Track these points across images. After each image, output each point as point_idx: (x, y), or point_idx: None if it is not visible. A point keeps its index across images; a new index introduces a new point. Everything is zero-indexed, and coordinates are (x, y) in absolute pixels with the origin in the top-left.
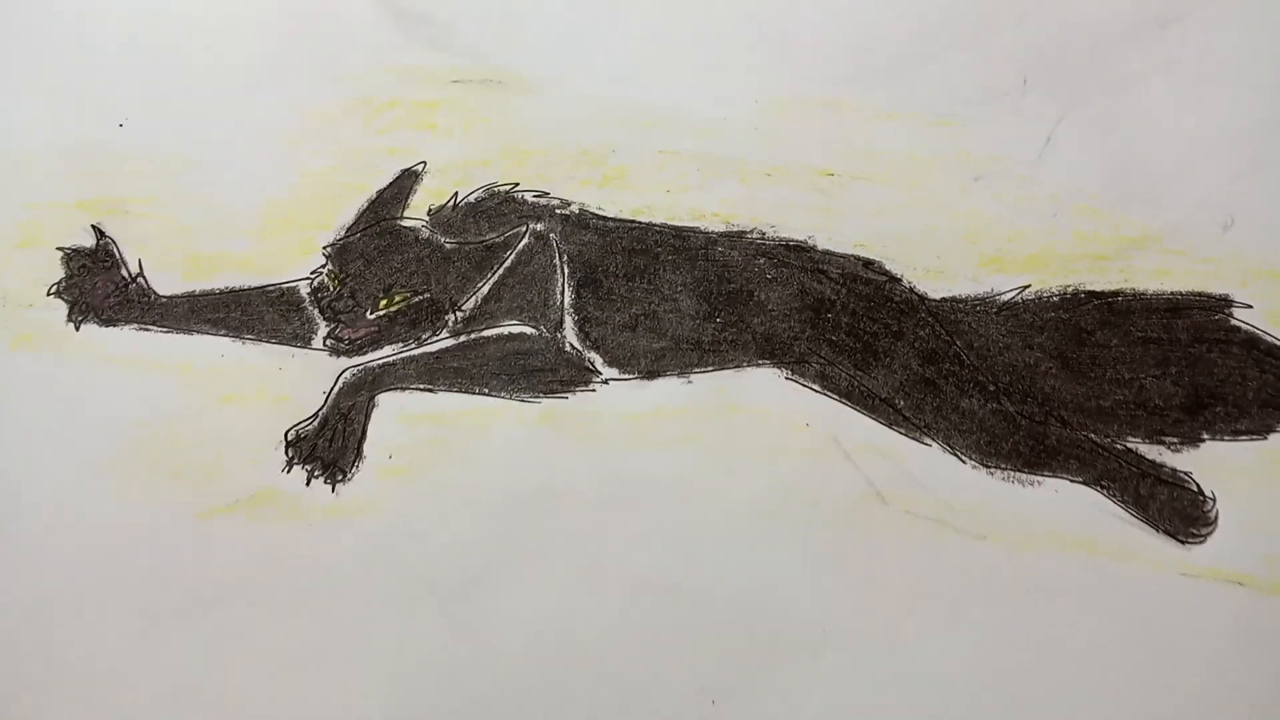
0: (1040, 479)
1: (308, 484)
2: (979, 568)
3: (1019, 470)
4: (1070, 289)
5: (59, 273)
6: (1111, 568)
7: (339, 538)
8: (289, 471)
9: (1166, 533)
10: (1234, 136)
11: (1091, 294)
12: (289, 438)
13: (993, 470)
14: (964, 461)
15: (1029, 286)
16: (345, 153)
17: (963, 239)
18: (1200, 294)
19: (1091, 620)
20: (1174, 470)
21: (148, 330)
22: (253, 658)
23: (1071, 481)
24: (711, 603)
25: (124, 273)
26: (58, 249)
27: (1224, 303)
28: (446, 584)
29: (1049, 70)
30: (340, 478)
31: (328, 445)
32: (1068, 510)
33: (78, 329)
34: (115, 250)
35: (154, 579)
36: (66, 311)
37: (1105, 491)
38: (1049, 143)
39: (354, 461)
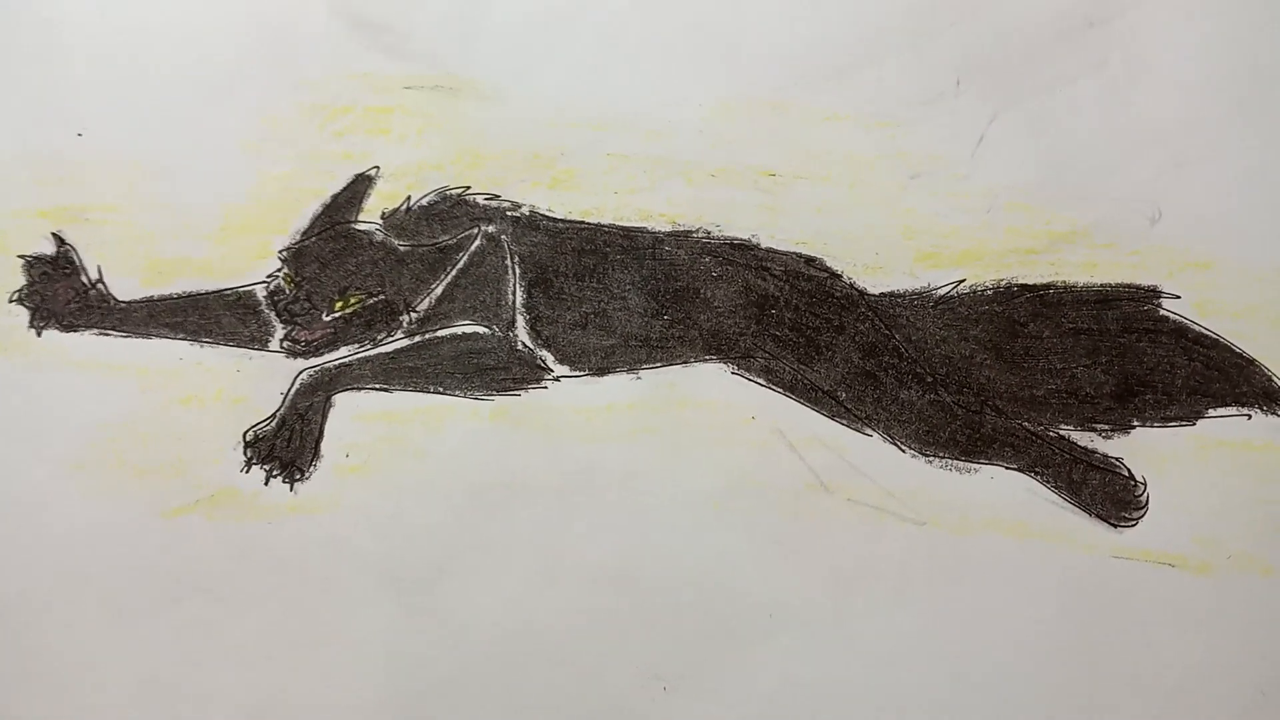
0: (976, 466)
1: (266, 483)
2: (918, 551)
3: (956, 458)
4: (1003, 283)
5: (21, 280)
6: (1046, 550)
7: (299, 535)
8: (248, 471)
9: (1099, 516)
10: (1160, 133)
11: (1024, 287)
12: (247, 438)
13: (931, 459)
14: (903, 451)
15: (964, 281)
16: (302, 158)
17: (901, 236)
18: (1129, 285)
19: (1027, 600)
20: (1105, 456)
21: (108, 335)
22: (216, 651)
23: (1006, 468)
24: (664, 589)
25: (84, 279)
26: (18, 256)
27: (1152, 293)
28: (406, 577)
29: (982, 72)
30: (298, 476)
31: (285, 445)
32: (1003, 496)
33: (39, 335)
34: (75, 257)
35: (120, 575)
36: (28, 318)
37: (1039, 477)
38: (982, 142)
39: (311, 460)
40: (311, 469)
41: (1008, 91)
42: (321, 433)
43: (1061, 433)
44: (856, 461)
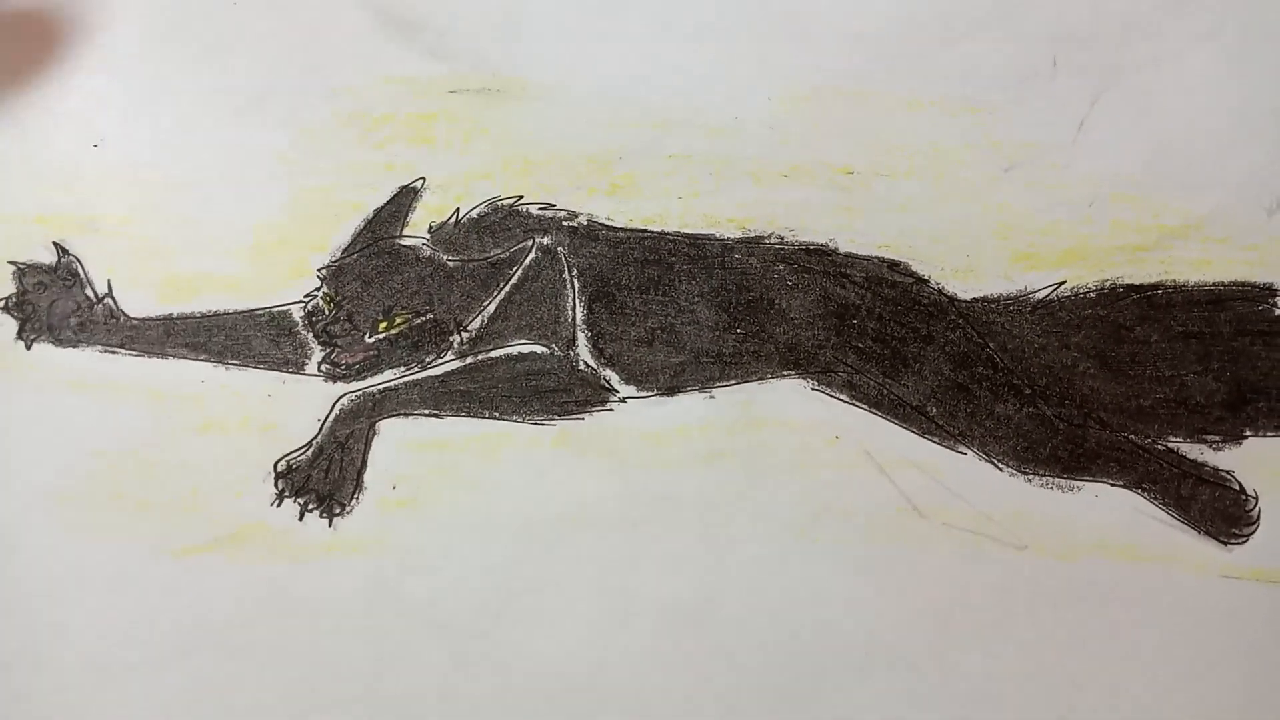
0: (1080, 484)
1: (301, 518)
2: (1021, 578)
3: (1058, 476)
4: (1108, 283)
5: (9, 288)
6: (1154, 572)
7: (336, 577)
8: (279, 505)
9: (1208, 534)
10: (1278, 114)
11: (1130, 288)
12: (279, 469)
13: (1030, 477)
14: (1001, 469)
15: (1064, 283)
16: (341, 169)
17: (994, 235)
18: (1243, 284)
19: (1136, 626)
20: (1215, 469)
21: (114, 353)
22: (233, 712)
23: (1112, 485)
24: (745, 627)
25: (89, 292)
26: (9, 263)
27: (1268, 292)
28: (458, 623)
29: (1080, 49)
30: (338, 511)
31: (323, 476)
32: (1109, 515)
33: (29, 348)
34: (80, 269)
35: (119, 627)
36: (16, 329)
37: (1146, 494)
38: (1083, 127)
39: (353, 493)
40: (353, 503)
41: (1108, 69)
42: (364, 462)
43: (1170, 445)
44: (951, 483)
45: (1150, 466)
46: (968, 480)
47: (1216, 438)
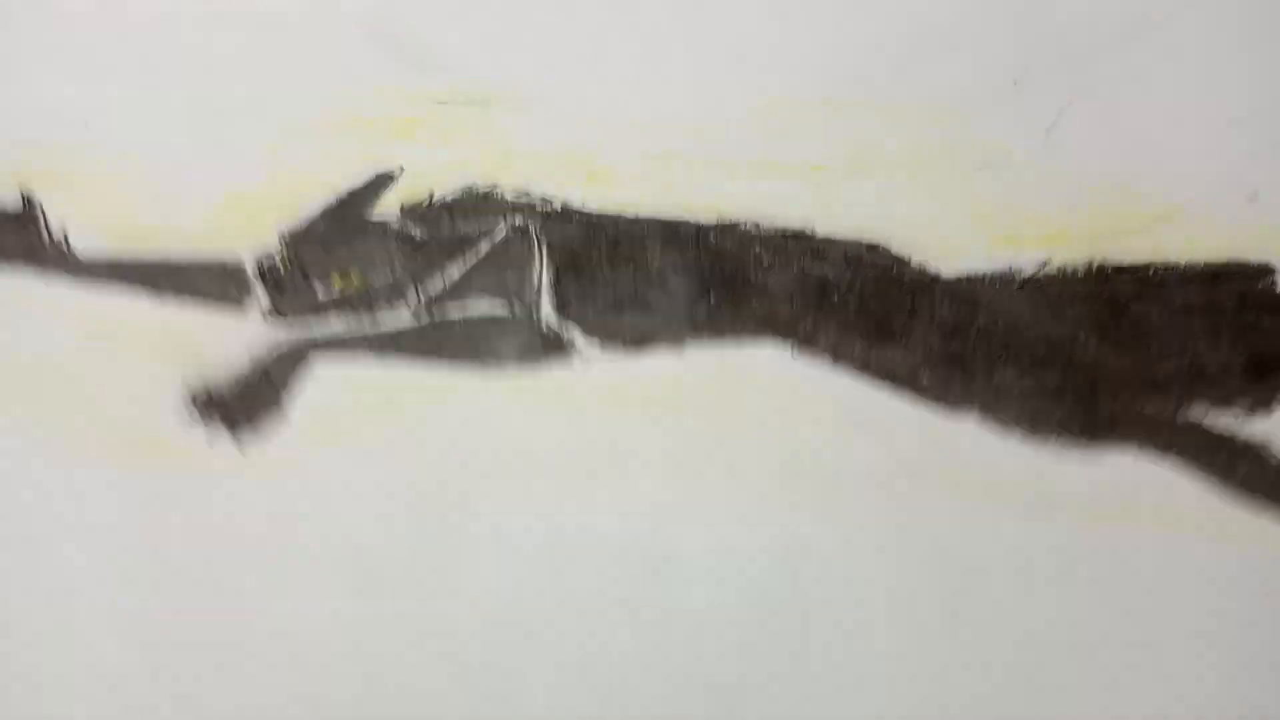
0: (1103, 449)
1: (209, 441)
2: (1044, 545)
3: (1075, 438)
4: (1095, 262)
5: None
6: (1200, 545)
7: (236, 500)
8: (191, 425)
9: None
10: (1251, 115)
11: (1120, 267)
12: (196, 390)
13: (1045, 441)
14: (1009, 432)
15: (1050, 261)
16: (321, 158)
17: (973, 220)
18: (1239, 263)
19: (1186, 607)
20: (1247, 441)
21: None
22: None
23: (1141, 450)
24: (711, 584)
25: (44, 234)
26: None
27: (1264, 271)
28: (365, 561)
29: (1046, 70)
30: (250, 435)
31: (241, 400)
32: (1144, 480)
33: None
34: (41, 215)
35: None
36: None
37: (1183, 462)
38: (1052, 132)
39: (269, 417)
40: (267, 425)
41: (1076, 85)
42: (290, 390)
43: (1196, 416)
44: (955, 443)
45: (1177, 436)
46: (972, 441)
47: (1243, 405)
